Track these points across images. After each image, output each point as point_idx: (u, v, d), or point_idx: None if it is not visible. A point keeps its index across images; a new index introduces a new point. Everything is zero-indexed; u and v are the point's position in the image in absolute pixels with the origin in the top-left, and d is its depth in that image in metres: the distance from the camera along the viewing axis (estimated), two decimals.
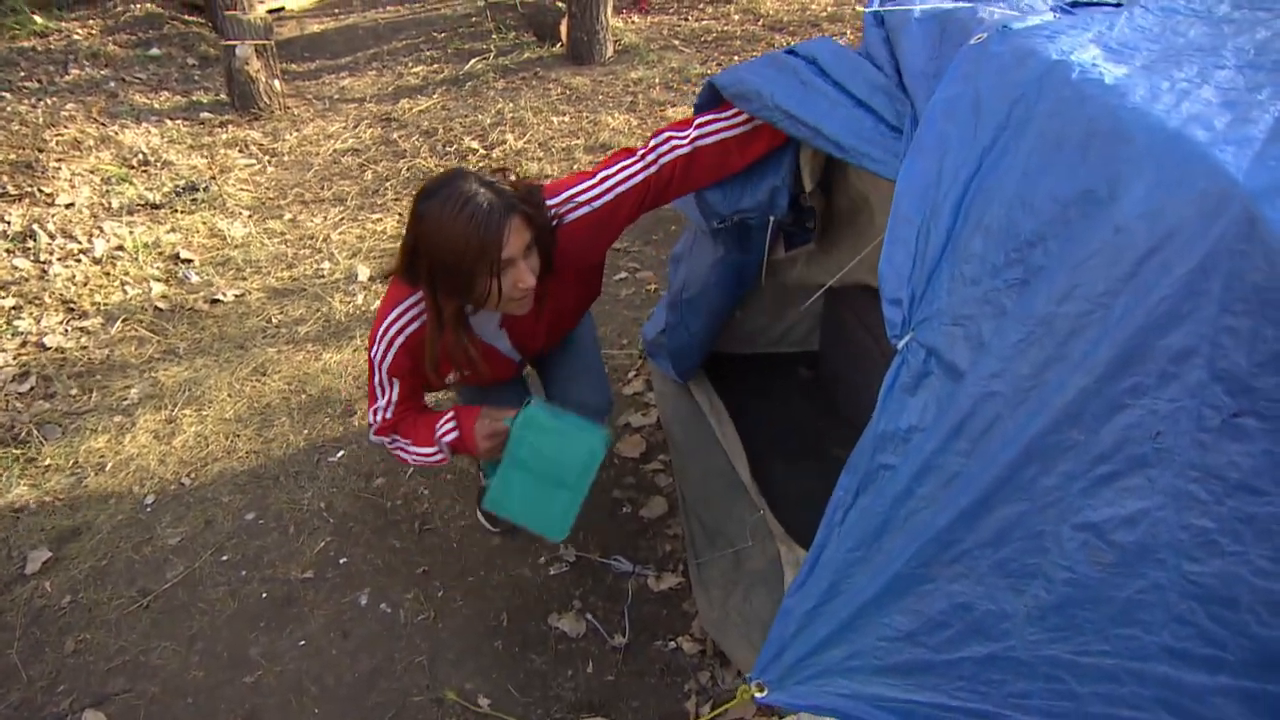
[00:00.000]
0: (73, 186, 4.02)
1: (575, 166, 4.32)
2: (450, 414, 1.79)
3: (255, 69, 4.92)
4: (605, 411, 2.10)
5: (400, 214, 3.95)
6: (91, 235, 3.71)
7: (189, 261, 3.65)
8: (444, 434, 1.78)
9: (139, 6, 6.34)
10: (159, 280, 3.52)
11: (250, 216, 4.01)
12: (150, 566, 2.30)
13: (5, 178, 3.97)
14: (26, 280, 3.41)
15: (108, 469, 2.61)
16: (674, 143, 1.71)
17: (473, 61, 5.63)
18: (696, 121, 1.74)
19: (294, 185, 4.31)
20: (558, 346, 2.08)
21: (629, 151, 1.73)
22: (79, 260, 3.57)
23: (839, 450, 2.50)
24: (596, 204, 1.68)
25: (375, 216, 3.98)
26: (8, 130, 4.37)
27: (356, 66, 5.93)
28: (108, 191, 4.04)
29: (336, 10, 7.16)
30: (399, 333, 1.67)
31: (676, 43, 5.73)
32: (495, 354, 1.83)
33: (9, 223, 3.68)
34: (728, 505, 2.12)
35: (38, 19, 6.18)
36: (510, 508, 1.71)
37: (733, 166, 1.76)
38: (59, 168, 4.13)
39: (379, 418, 1.81)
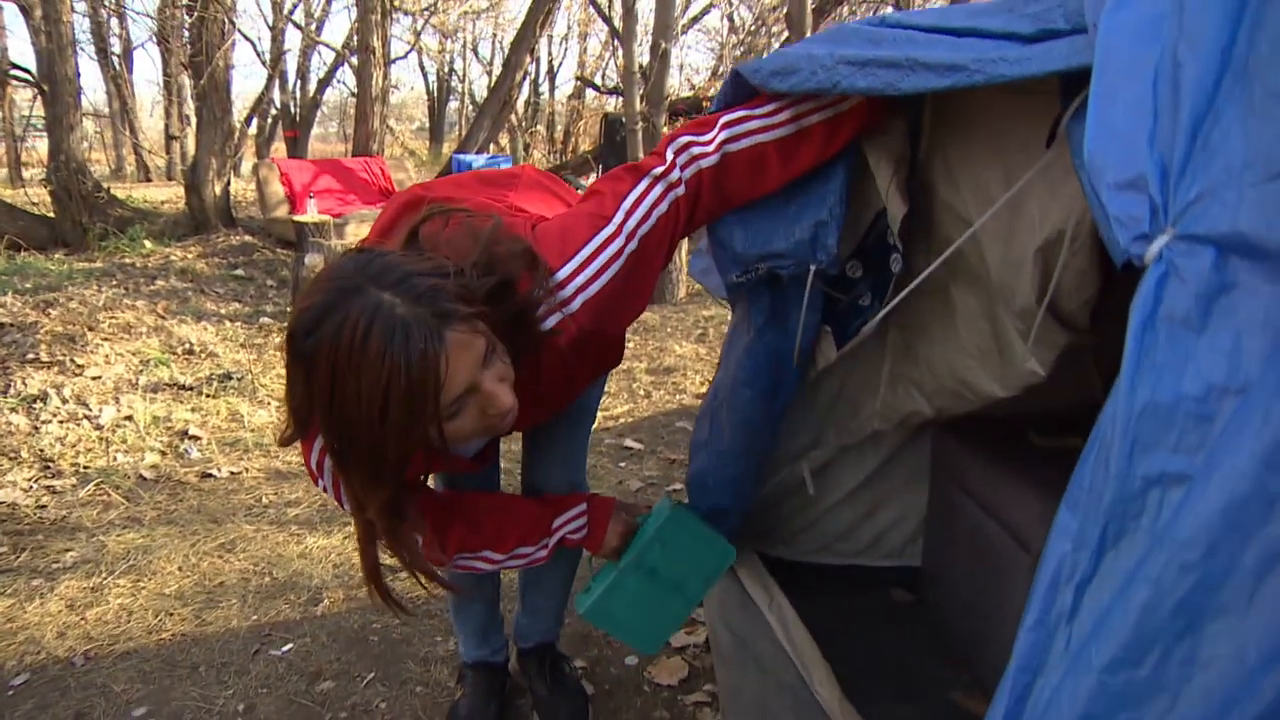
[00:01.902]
0: (108, 363, 3.82)
1: (635, 385, 3.96)
2: (581, 508, 1.39)
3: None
4: (571, 488, 1.61)
5: None
6: (104, 405, 3.41)
7: (196, 438, 3.28)
8: (570, 532, 1.38)
9: (238, 238, 6.67)
10: (155, 451, 3.13)
11: (278, 407, 3.69)
12: None
13: (43, 346, 3.81)
14: (12, 435, 3.06)
15: None
16: (696, 150, 1.19)
17: None
18: (721, 120, 1.21)
19: None
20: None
21: (636, 171, 1.18)
22: (79, 424, 3.23)
23: (960, 698, 1.78)
24: (625, 253, 1.14)
25: None
26: (66, 308, 4.32)
27: None
28: (141, 371, 3.82)
29: None
30: None
31: None
32: (455, 460, 1.30)
33: (26, 385, 3.43)
34: None
35: (148, 243, 6.55)
36: (615, 616, 1.42)
37: (770, 182, 1.24)
38: (101, 345, 3.97)
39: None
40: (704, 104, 7.51)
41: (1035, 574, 0.61)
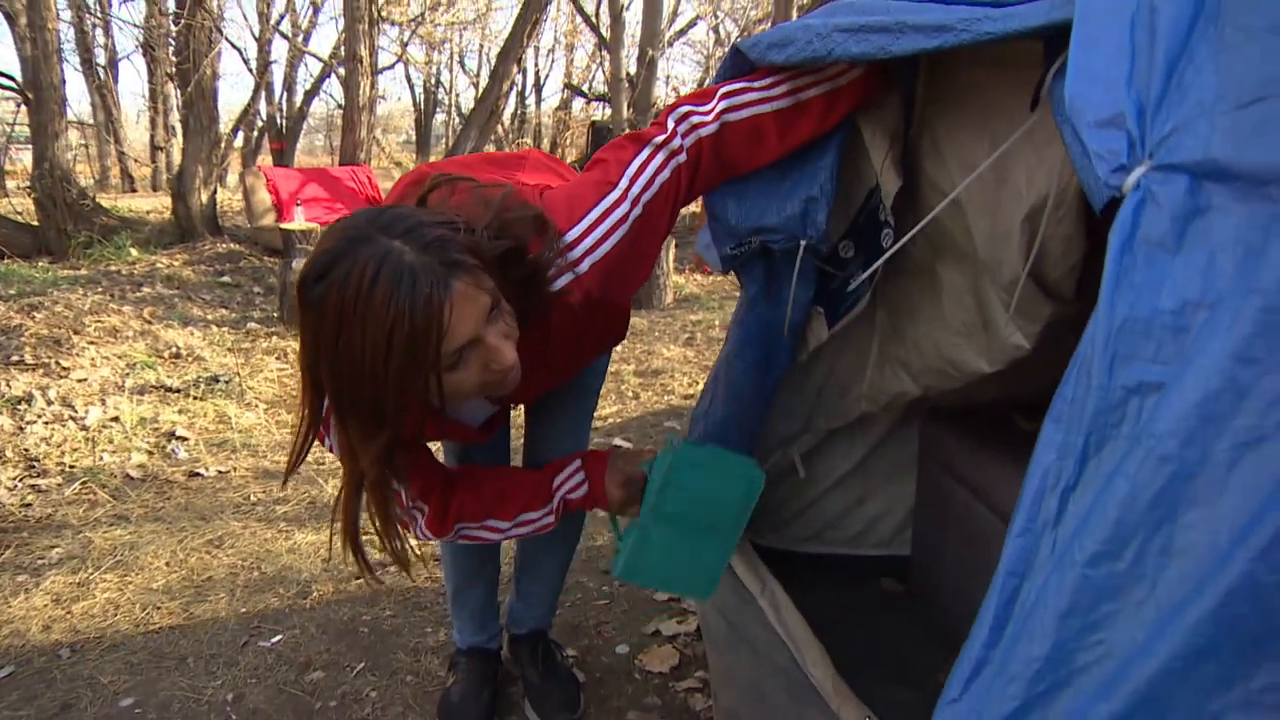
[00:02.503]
0: (94, 366, 3.79)
1: (623, 387, 3.97)
2: (576, 464, 1.35)
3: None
4: None
5: None
6: (90, 406, 3.39)
7: (183, 439, 3.26)
8: (569, 491, 1.35)
9: (224, 246, 6.65)
10: (142, 451, 3.11)
11: (266, 409, 3.68)
12: None
13: (28, 350, 3.78)
14: None
15: None
16: (696, 119, 1.22)
17: None
18: (721, 91, 1.25)
19: None
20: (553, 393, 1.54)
21: (638, 140, 1.21)
22: (64, 425, 3.21)
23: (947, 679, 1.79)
24: (630, 219, 1.16)
25: None
26: (51, 312, 4.29)
27: None
28: (128, 374, 3.80)
29: None
30: None
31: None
32: (462, 429, 1.32)
33: (10, 387, 3.40)
34: (794, 717, 1.42)
35: (134, 251, 6.52)
36: (651, 572, 1.34)
37: (768, 153, 1.27)
38: (87, 349, 3.94)
39: (421, 526, 1.32)
40: None
41: (1023, 484, 0.63)
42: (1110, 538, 0.52)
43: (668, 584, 1.40)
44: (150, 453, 3.13)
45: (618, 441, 3.27)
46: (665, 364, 4.25)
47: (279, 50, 13.28)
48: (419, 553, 1.24)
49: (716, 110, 1.23)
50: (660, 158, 1.20)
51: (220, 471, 2.99)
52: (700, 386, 3.89)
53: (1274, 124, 0.53)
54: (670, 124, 1.22)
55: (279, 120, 14.09)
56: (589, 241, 1.13)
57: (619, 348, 4.46)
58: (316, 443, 1.12)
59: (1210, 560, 0.47)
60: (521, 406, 1.62)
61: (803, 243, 1.32)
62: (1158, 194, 0.57)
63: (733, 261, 1.41)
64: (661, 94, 10.12)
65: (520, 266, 1.06)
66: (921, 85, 1.41)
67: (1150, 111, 0.60)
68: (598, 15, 9.44)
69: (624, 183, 1.17)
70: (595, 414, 1.73)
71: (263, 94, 13.08)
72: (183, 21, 6.86)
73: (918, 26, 0.94)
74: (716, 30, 14.00)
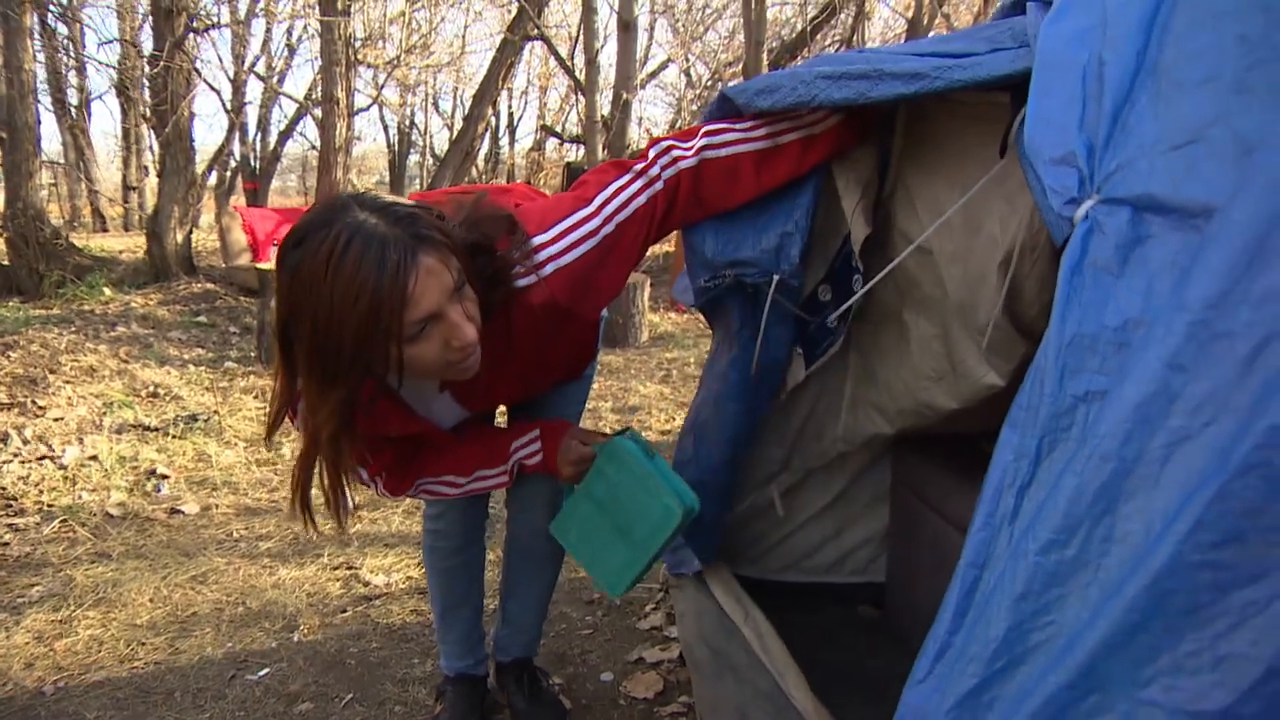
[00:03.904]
0: (70, 405, 3.78)
1: (601, 423, 4.03)
2: (534, 433, 1.44)
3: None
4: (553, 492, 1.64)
5: None
6: (67, 445, 3.38)
7: (164, 477, 3.26)
8: (525, 456, 1.44)
9: (199, 286, 6.65)
10: (122, 490, 3.11)
11: (245, 447, 3.68)
12: None
13: (3, 389, 3.77)
14: None
15: None
16: (676, 153, 1.30)
17: None
18: (704, 129, 1.33)
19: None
20: (537, 401, 1.61)
21: (620, 166, 1.30)
22: (41, 464, 3.20)
23: None
24: (599, 236, 1.24)
25: None
26: (26, 351, 4.27)
27: None
28: (105, 413, 3.79)
29: None
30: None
31: None
32: (430, 430, 1.37)
33: None
34: None
35: (107, 290, 6.49)
36: (571, 541, 1.44)
37: (744, 191, 1.35)
38: (64, 388, 3.93)
39: (380, 488, 1.41)
40: None
41: (982, 484, 0.70)
42: (1060, 528, 0.59)
43: (584, 561, 1.44)
44: (130, 490, 3.13)
45: None
46: (642, 401, 4.32)
47: (254, 91, 13.37)
48: (355, 509, 1.31)
49: (697, 147, 1.32)
50: (639, 184, 1.28)
51: (202, 508, 2.99)
52: (678, 423, 3.95)
53: (1201, 164, 0.62)
54: (651, 154, 1.30)
55: (253, 160, 14.13)
56: (556, 248, 1.21)
57: (595, 385, 4.51)
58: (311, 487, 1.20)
59: (1144, 545, 0.54)
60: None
61: (776, 277, 1.40)
62: (1104, 224, 0.66)
63: (706, 294, 1.48)
64: (635, 135, 10.32)
65: (486, 259, 1.14)
66: (898, 140, 1.51)
67: (1099, 151, 0.69)
68: (572, 59, 9.65)
69: (599, 201, 1.26)
70: None
71: (237, 134, 13.14)
72: (161, 63, 6.92)
73: (895, 74, 1.04)
74: (688, 73, 14.30)
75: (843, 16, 9.59)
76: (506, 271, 1.18)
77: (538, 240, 1.21)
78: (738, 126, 1.34)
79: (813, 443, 2.00)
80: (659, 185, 1.29)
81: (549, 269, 1.21)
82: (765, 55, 7.91)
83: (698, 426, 1.73)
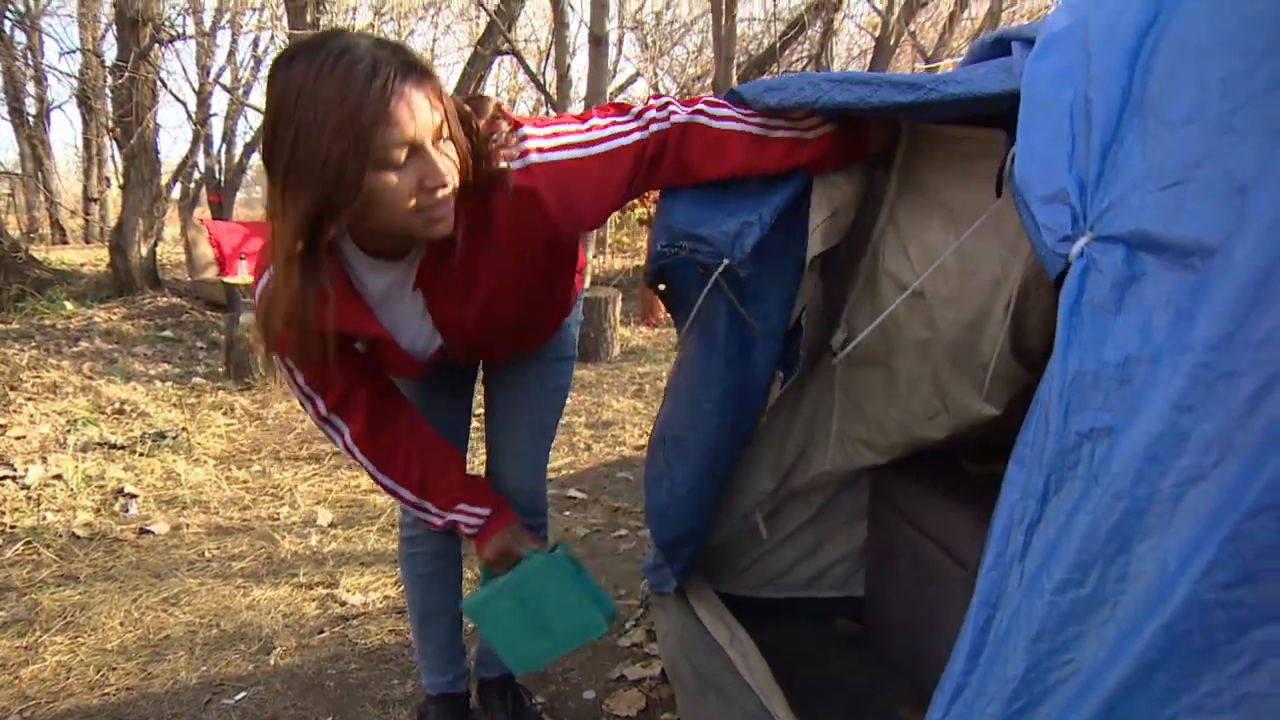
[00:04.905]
0: (32, 423, 3.70)
1: (575, 439, 4.03)
2: (485, 511, 1.46)
3: (255, 338, 4.86)
4: (532, 496, 1.70)
5: None
6: (30, 464, 3.30)
7: (133, 496, 3.20)
8: (464, 522, 1.46)
9: (165, 300, 6.54)
10: (88, 510, 3.05)
11: (216, 465, 3.63)
12: None
13: None
14: None
15: None
16: (673, 108, 1.34)
17: None
18: (705, 99, 1.38)
19: (271, 444, 3.98)
20: (512, 375, 1.62)
21: (619, 106, 1.36)
22: (3, 484, 3.12)
23: (906, 711, 1.87)
24: (589, 150, 1.27)
25: (352, 474, 3.58)
26: None
27: None
28: (69, 431, 3.71)
29: None
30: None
31: None
32: (404, 358, 1.37)
33: None
34: None
35: (69, 305, 6.36)
36: (486, 626, 1.51)
37: (724, 166, 1.37)
38: (25, 405, 3.85)
39: (346, 440, 1.39)
40: None
41: (989, 527, 0.72)
42: (1074, 566, 0.61)
43: (496, 644, 1.52)
44: (97, 510, 3.07)
45: (572, 493, 3.32)
46: (615, 415, 4.32)
47: (220, 103, 13.20)
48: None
49: (696, 109, 1.35)
50: (633, 125, 1.31)
51: (172, 528, 2.94)
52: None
53: (1192, 203, 0.65)
54: (651, 104, 1.35)
55: (217, 172, 13.94)
56: (544, 143, 1.23)
57: (569, 400, 4.52)
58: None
59: (1160, 584, 0.56)
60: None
61: (725, 261, 1.41)
62: (1099, 261, 0.69)
63: (659, 260, 1.49)
64: None
65: (473, 130, 1.16)
66: (892, 183, 1.54)
67: (1090, 188, 0.72)
68: (542, 73, 9.67)
69: (592, 123, 1.29)
70: (549, 465, 1.79)
71: (201, 146, 12.96)
72: (125, 74, 6.81)
73: (893, 83, 1.09)
74: (656, 86, 14.39)
75: (811, 33, 9.72)
76: (492, 149, 1.19)
77: (525, 131, 1.23)
78: (739, 110, 1.38)
79: (800, 475, 2.02)
80: (650, 130, 1.32)
81: (535, 158, 1.22)
82: (735, 69, 7.99)
83: (675, 441, 1.74)
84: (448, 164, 1.09)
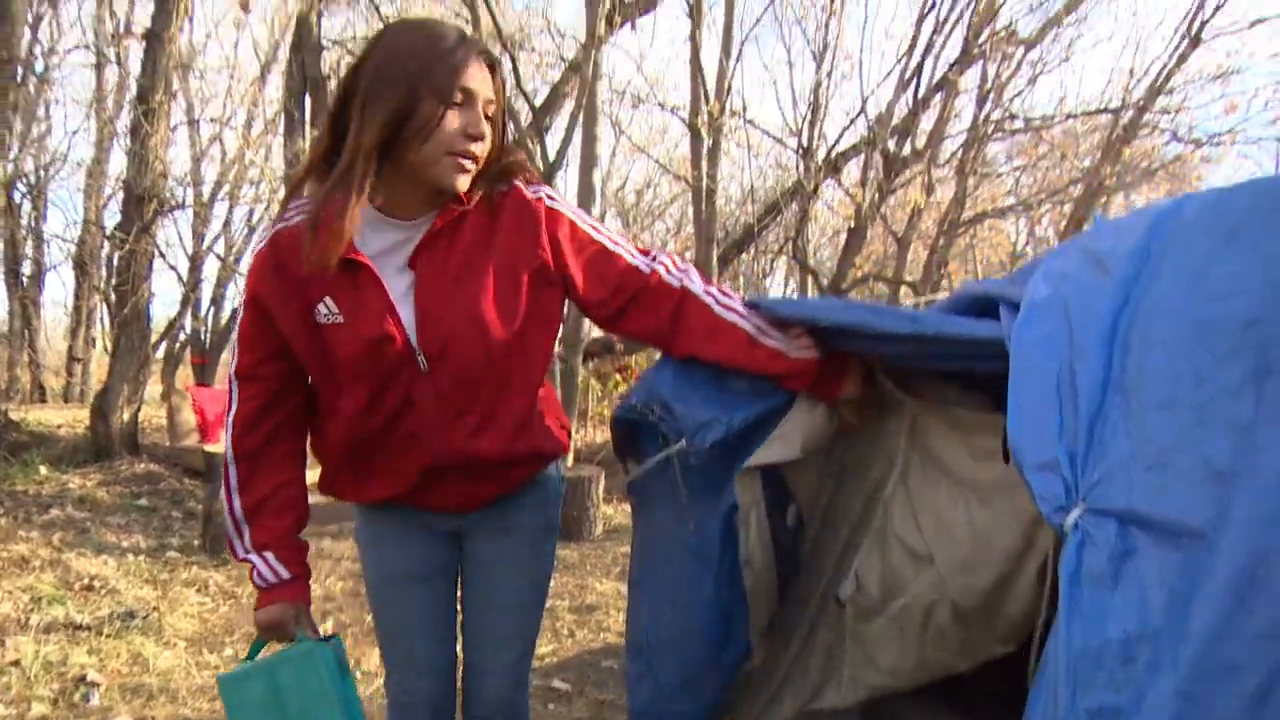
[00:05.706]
0: None
1: (558, 624, 3.95)
2: (286, 575, 1.45)
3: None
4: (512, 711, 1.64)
5: (368, 669, 3.45)
6: None
7: (95, 685, 3.06)
8: (261, 571, 1.44)
9: (142, 466, 6.48)
10: (44, 701, 2.91)
11: (186, 648, 3.50)
12: None
13: None
14: None
15: None
16: (692, 273, 1.48)
17: None
18: (720, 286, 1.49)
19: (245, 625, 3.85)
20: (491, 551, 1.59)
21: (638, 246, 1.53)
22: None
23: None
24: (592, 230, 1.46)
25: None
26: None
27: (341, 534, 5.82)
28: (32, 610, 3.59)
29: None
30: (275, 225, 1.39)
31: None
32: (373, 315, 1.37)
33: None
34: None
35: (44, 469, 6.28)
36: (232, 707, 1.42)
37: (716, 352, 1.44)
38: None
39: (230, 410, 1.49)
40: (617, 345, 7.99)
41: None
42: None
43: None
44: (54, 702, 2.93)
45: (555, 683, 3.23)
46: (599, 599, 4.26)
47: (210, 268, 13.58)
48: None
49: (709, 289, 1.47)
50: (642, 256, 1.48)
51: None
52: None
53: (1174, 486, 0.72)
54: (674, 255, 1.52)
55: (203, 334, 14.14)
56: (557, 198, 1.44)
57: (552, 583, 4.45)
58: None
59: None
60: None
61: (682, 443, 1.45)
62: (1094, 535, 0.75)
63: (628, 411, 1.55)
64: (588, 323, 10.64)
65: (506, 152, 1.40)
66: (903, 443, 1.59)
67: (1079, 460, 0.80)
68: None
69: (609, 227, 1.53)
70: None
71: (189, 309, 13.21)
72: (127, 247, 7.05)
73: (896, 313, 1.20)
74: None
75: (786, 215, 10.28)
76: (514, 165, 1.41)
77: (549, 190, 1.45)
78: (740, 303, 1.48)
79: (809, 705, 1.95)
80: (654, 266, 1.46)
81: (545, 197, 1.43)
82: (715, 249, 8.42)
83: (653, 645, 1.66)
84: (487, 130, 1.33)
